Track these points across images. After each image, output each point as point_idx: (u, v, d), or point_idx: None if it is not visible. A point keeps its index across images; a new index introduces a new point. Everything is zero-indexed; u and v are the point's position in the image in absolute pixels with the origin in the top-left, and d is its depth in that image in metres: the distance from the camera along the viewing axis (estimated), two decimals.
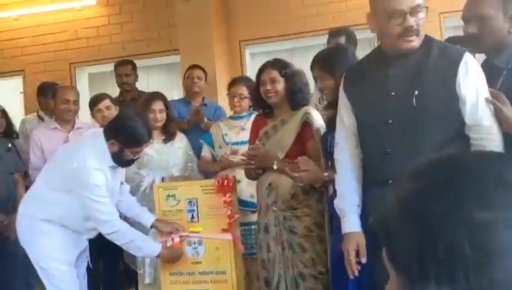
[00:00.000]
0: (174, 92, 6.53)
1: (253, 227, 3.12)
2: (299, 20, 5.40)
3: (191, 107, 4.00)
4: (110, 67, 5.41)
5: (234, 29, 5.64)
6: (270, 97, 2.77)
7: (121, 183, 2.93)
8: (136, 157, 2.78)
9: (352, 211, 2.09)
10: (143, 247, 2.76)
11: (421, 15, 1.91)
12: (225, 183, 2.74)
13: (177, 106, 4.11)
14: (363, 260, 2.02)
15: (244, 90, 3.39)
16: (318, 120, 2.73)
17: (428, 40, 1.98)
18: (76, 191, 2.67)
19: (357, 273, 2.05)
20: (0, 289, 3.41)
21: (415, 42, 1.92)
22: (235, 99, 3.43)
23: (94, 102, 3.74)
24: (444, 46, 2.02)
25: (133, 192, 3.17)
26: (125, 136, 2.68)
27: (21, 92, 6.40)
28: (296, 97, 2.75)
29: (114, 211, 2.73)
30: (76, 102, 3.70)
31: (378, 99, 1.99)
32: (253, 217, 3.04)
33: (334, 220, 2.47)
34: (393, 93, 1.95)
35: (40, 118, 4.40)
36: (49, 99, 4.47)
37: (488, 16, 2.01)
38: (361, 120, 2.07)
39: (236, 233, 2.84)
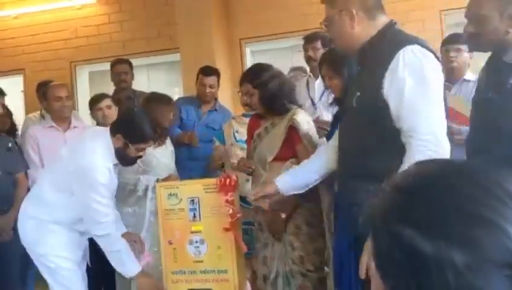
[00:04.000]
0: (175, 90, 6.53)
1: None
2: (300, 18, 5.40)
3: (200, 111, 3.98)
4: (110, 66, 5.41)
5: (234, 27, 5.64)
6: (253, 109, 2.90)
7: None
8: (139, 156, 2.79)
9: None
10: (125, 262, 2.70)
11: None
12: (227, 183, 2.74)
13: (186, 106, 4.05)
14: None
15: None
16: (304, 123, 2.73)
17: (382, 34, 1.92)
18: (80, 190, 2.65)
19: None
20: None
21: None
22: (245, 98, 3.39)
23: (95, 101, 3.74)
24: (390, 39, 1.90)
25: (129, 195, 3.18)
26: (131, 131, 2.70)
27: (21, 91, 6.41)
28: (272, 104, 2.77)
29: (111, 213, 2.71)
30: (68, 97, 3.71)
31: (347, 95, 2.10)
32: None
33: (339, 215, 2.48)
34: (353, 89, 2.02)
35: (43, 117, 4.40)
36: (43, 98, 4.48)
37: (484, 15, 2.01)
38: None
39: (238, 232, 2.84)
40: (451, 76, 3.54)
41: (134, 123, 2.73)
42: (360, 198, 1.83)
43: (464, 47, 3.25)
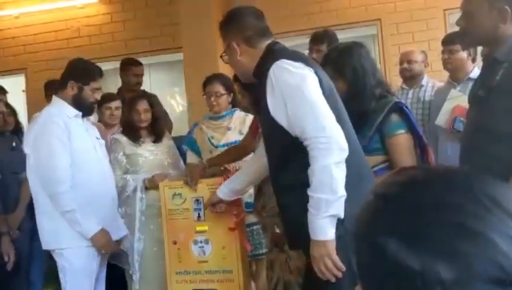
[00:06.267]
0: (176, 89, 6.53)
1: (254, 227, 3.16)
2: (303, 18, 5.39)
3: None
4: (112, 65, 5.40)
5: None
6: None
7: (97, 138, 2.97)
8: (95, 100, 2.89)
9: None
10: (81, 222, 2.68)
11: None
12: None
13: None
14: None
15: (220, 88, 3.27)
16: None
17: (261, 59, 2.06)
18: (35, 147, 2.68)
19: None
20: (2, 288, 3.39)
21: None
22: (212, 99, 3.27)
23: (107, 99, 3.75)
24: (264, 62, 2.02)
25: (117, 196, 3.11)
26: (80, 73, 2.82)
27: (23, 90, 6.40)
28: (258, 104, 2.80)
29: (65, 168, 2.66)
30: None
31: None
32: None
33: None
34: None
35: None
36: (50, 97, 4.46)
37: (472, 10, 1.99)
38: None
39: (243, 232, 2.83)
40: (454, 76, 3.56)
41: (79, 66, 2.87)
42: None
43: (458, 47, 3.25)
